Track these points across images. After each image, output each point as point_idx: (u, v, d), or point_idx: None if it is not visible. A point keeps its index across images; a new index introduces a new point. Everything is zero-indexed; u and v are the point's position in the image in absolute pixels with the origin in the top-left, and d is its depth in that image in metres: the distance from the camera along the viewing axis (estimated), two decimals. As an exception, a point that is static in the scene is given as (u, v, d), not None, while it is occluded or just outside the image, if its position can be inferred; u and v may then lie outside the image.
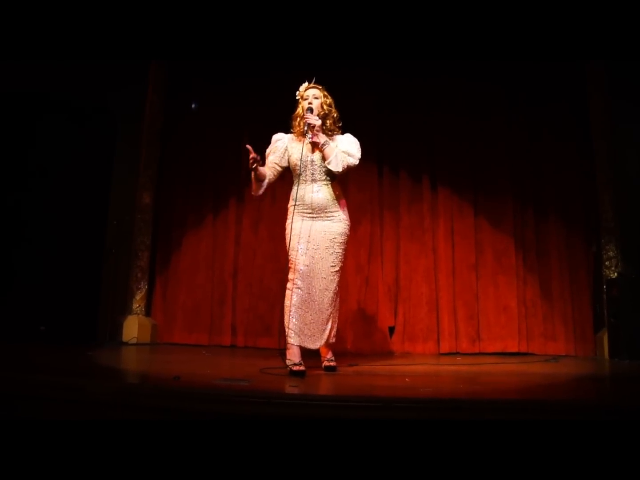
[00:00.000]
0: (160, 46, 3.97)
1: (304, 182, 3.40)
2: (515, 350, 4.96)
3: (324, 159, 3.35)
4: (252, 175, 3.41)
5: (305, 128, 3.34)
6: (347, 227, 3.46)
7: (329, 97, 3.50)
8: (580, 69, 5.20)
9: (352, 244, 4.85)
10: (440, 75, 5.36)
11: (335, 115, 3.49)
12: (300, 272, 3.27)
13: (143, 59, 5.17)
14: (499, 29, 3.84)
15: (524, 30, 3.83)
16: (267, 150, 3.54)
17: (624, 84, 5.04)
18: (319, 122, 3.35)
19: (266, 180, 3.45)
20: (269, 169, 3.47)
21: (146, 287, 5.38)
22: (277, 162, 3.49)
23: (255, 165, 3.30)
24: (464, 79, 5.33)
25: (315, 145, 3.38)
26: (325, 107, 3.45)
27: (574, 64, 5.16)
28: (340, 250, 3.40)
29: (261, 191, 3.47)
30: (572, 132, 5.27)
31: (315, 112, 3.39)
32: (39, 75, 4.98)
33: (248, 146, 3.30)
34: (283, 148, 3.50)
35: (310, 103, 3.41)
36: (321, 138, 3.34)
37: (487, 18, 3.75)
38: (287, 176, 3.66)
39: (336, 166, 3.32)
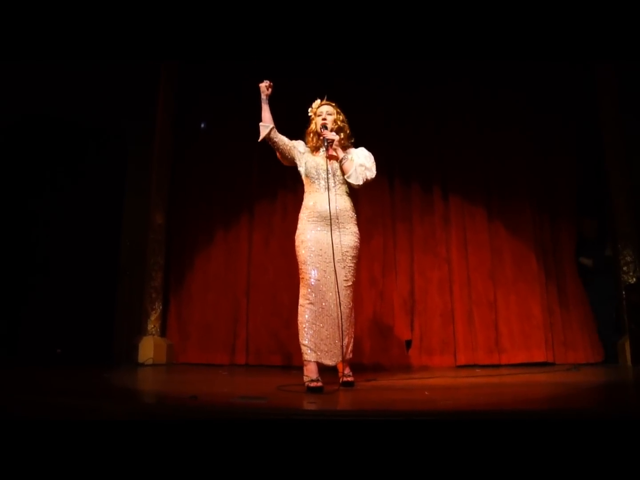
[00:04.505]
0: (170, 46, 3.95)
1: (317, 191, 3.40)
2: (542, 360, 4.88)
3: (342, 172, 3.39)
4: (262, 102, 3.42)
5: (325, 144, 3.37)
6: (358, 240, 3.44)
7: (341, 113, 3.54)
8: (591, 77, 5.26)
9: (366, 257, 4.92)
10: (450, 88, 5.40)
11: (348, 131, 3.53)
12: (313, 286, 3.23)
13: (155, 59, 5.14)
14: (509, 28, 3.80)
15: (536, 32, 3.78)
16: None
17: (635, 87, 5.01)
18: (336, 137, 3.40)
19: (273, 126, 3.40)
20: (286, 139, 3.48)
21: (161, 307, 5.40)
22: (292, 145, 3.49)
23: (266, 87, 3.37)
24: (475, 91, 5.39)
25: (333, 159, 3.40)
26: (339, 122, 3.49)
27: (585, 71, 5.27)
28: (353, 265, 3.37)
29: (265, 131, 3.40)
30: (585, 138, 5.28)
31: (330, 128, 3.44)
32: (52, 99, 5.04)
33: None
34: (300, 150, 3.52)
35: (324, 119, 3.45)
36: (340, 152, 3.39)
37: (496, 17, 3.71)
38: (300, 191, 3.65)
39: (356, 179, 3.37)
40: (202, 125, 5.66)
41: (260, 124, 3.42)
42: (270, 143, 3.47)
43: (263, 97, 3.41)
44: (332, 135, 3.39)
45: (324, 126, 3.42)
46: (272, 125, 3.41)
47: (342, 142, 3.46)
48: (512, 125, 5.35)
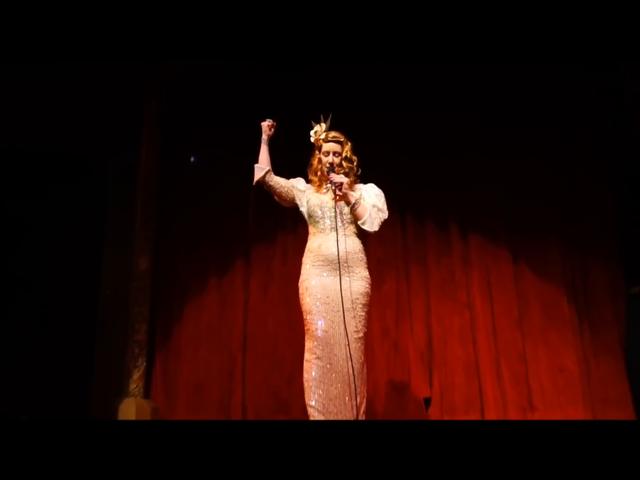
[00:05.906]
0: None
1: (322, 232, 3.24)
2: (579, 419, 4.38)
3: (355, 218, 3.21)
4: (262, 142, 3.34)
5: (333, 188, 3.20)
6: (369, 285, 3.25)
7: (348, 142, 3.36)
8: (610, 98, 5.08)
9: (376, 304, 4.60)
10: (465, 116, 5.15)
11: (356, 169, 3.38)
12: (319, 339, 3.05)
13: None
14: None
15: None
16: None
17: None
18: (345, 180, 3.22)
19: (269, 169, 3.30)
20: (283, 180, 3.36)
21: (144, 364, 4.96)
22: (291, 184, 3.37)
23: (268, 126, 3.30)
24: (491, 119, 5.14)
25: (342, 200, 3.24)
26: (345, 164, 3.32)
27: (606, 95, 5.08)
28: (364, 313, 3.18)
29: (259, 174, 3.29)
30: (610, 169, 5.00)
31: (336, 170, 3.28)
32: (27, 132, 4.85)
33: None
34: (301, 187, 3.39)
35: (331, 163, 3.28)
36: (351, 197, 3.20)
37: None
38: (301, 232, 3.52)
39: (371, 226, 3.20)
40: (192, 159, 5.36)
41: (256, 165, 3.31)
42: (265, 187, 3.34)
43: (264, 137, 3.33)
44: (341, 179, 3.20)
45: (331, 168, 3.25)
46: (268, 167, 3.31)
47: (351, 184, 3.27)
48: (534, 154, 5.04)
